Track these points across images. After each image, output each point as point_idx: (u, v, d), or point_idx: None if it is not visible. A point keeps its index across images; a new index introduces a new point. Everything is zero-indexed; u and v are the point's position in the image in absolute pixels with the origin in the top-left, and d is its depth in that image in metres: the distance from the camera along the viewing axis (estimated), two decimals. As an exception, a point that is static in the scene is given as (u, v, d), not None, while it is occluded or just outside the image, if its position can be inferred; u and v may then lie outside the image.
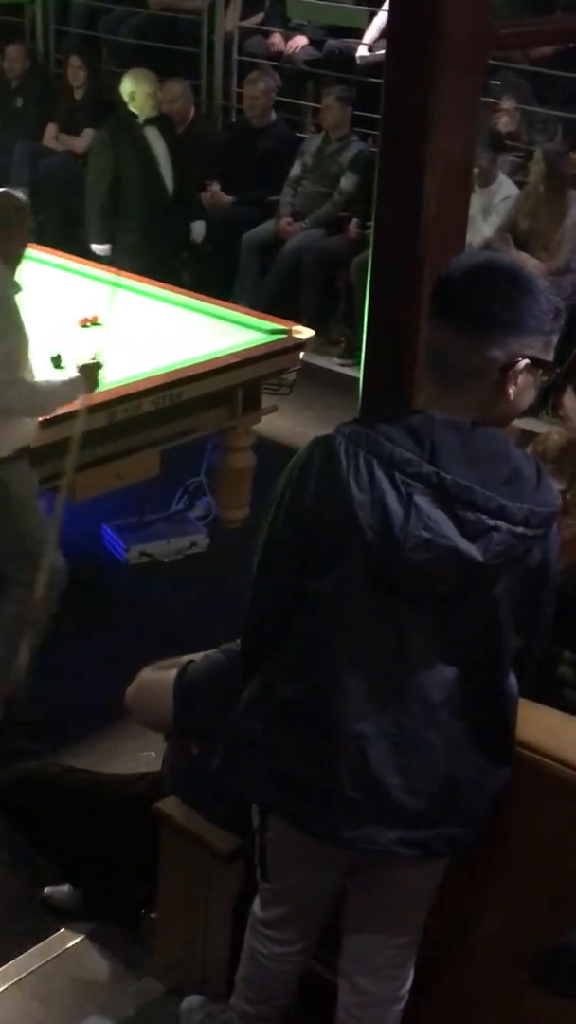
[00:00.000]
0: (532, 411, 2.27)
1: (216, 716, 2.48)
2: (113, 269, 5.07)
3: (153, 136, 7.10)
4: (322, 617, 2.16)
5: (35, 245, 6.29)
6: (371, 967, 2.41)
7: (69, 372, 4.07)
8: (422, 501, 2.02)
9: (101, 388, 4.15)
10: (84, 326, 5.08)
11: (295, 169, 7.72)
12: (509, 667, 2.19)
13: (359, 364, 2.50)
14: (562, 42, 6.50)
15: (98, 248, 7.04)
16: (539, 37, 4.00)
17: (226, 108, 8.72)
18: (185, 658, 2.79)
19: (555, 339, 2.13)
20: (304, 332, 5.35)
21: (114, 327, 4.36)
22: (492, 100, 7.36)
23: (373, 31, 8.08)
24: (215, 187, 7.81)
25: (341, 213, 7.53)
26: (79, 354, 4.09)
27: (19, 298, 3.93)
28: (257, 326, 5.38)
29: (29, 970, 3.18)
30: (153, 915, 3.10)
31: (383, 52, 2.36)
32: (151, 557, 5.25)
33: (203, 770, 2.71)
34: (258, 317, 5.51)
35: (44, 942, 3.31)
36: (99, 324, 4.91)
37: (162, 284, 5.74)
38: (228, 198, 7.86)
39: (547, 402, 6.33)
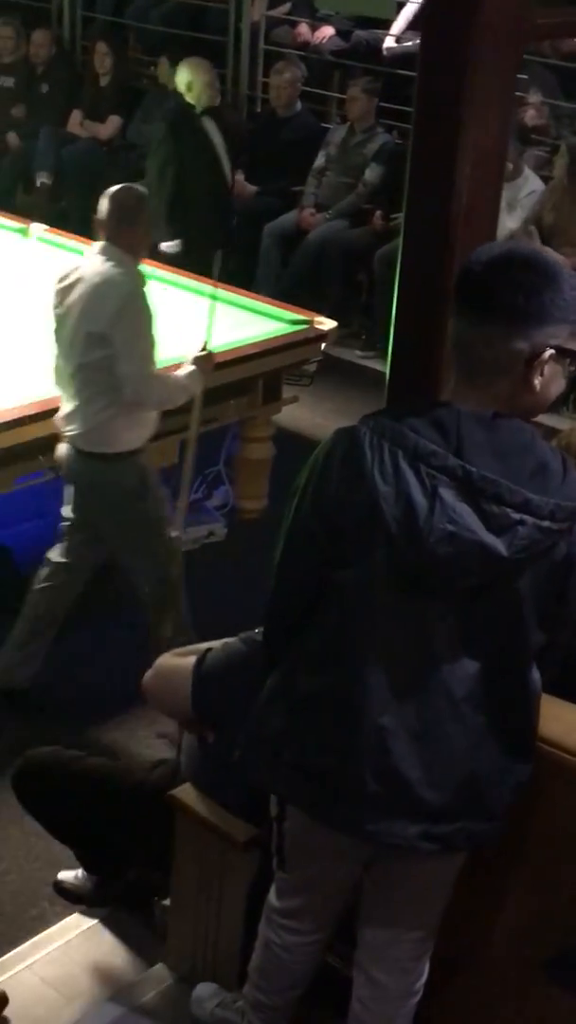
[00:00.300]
0: (553, 406, 2.25)
1: (234, 704, 2.48)
2: (210, 281, 5.02)
3: (211, 127, 6.97)
4: (345, 609, 2.15)
5: (57, 230, 6.32)
6: (387, 959, 2.40)
7: (185, 366, 4.19)
8: (447, 494, 2.00)
9: None
10: None
11: (319, 160, 7.69)
12: (532, 662, 2.18)
13: (380, 357, 2.49)
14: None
15: (167, 246, 6.83)
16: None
17: (251, 97, 8.71)
18: (204, 645, 2.78)
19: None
20: (326, 323, 5.34)
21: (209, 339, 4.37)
22: (519, 94, 7.32)
23: (401, 22, 8.06)
24: (240, 177, 7.76)
25: (365, 205, 7.50)
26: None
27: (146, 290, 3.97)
28: (279, 316, 5.37)
29: (41, 954, 3.19)
30: (167, 902, 3.10)
31: (410, 43, 2.34)
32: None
33: (220, 758, 2.70)
34: (280, 307, 5.50)
35: (57, 926, 3.32)
36: None
37: (195, 276, 5.66)
38: (252, 188, 7.84)
39: (569, 397, 6.31)
